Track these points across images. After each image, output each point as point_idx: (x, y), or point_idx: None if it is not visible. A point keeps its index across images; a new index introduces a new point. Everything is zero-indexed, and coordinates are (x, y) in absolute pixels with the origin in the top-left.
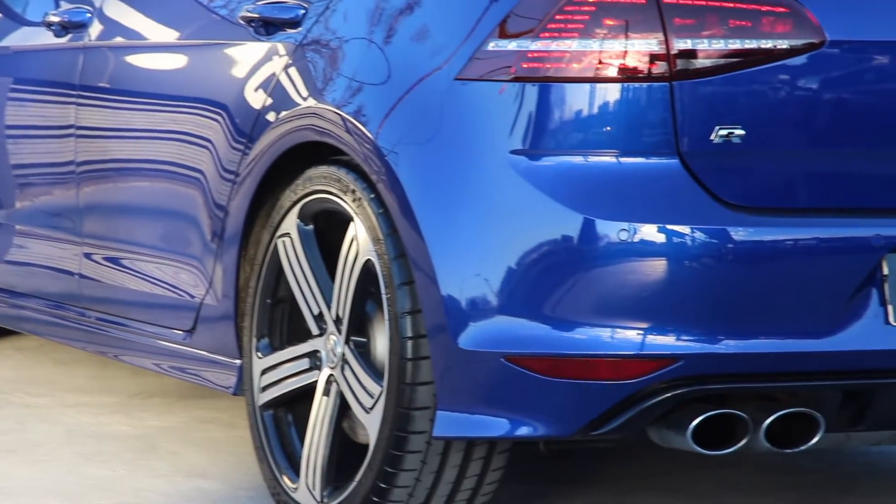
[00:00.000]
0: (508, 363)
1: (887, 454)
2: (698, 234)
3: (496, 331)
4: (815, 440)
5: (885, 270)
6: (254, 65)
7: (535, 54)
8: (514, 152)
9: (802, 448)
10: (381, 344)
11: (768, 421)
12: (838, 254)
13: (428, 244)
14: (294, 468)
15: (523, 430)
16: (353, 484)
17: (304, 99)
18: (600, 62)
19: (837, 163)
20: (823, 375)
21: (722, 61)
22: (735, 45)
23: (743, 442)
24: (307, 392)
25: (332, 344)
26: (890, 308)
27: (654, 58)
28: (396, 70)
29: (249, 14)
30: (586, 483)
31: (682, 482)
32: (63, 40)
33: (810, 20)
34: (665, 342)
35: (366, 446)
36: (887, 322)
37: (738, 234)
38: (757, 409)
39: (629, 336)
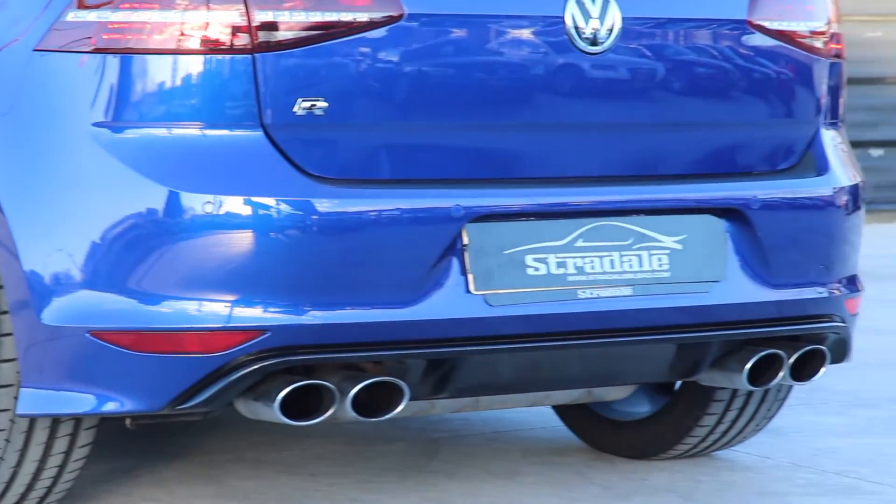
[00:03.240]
0: (93, 338)
1: (469, 421)
2: (283, 207)
3: (80, 306)
4: (399, 408)
5: (466, 240)
6: None
7: (116, 25)
8: (96, 125)
9: (388, 416)
10: None
11: (354, 390)
12: (420, 224)
13: (8, 218)
14: None
15: (110, 406)
16: None
17: None
18: (182, 34)
19: (419, 135)
20: (407, 345)
21: (303, 34)
22: (316, 17)
23: (330, 412)
24: None
25: None
26: (470, 277)
27: (235, 30)
28: None
29: None
30: (175, 457)
31: (270, 454)
32: None
33: None
34: (252, 314)
35: None
36: (468, 291)
37: (322, 205)
38: (343, 379)
39: (216, 309)
